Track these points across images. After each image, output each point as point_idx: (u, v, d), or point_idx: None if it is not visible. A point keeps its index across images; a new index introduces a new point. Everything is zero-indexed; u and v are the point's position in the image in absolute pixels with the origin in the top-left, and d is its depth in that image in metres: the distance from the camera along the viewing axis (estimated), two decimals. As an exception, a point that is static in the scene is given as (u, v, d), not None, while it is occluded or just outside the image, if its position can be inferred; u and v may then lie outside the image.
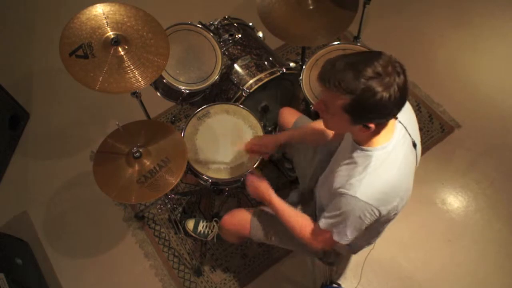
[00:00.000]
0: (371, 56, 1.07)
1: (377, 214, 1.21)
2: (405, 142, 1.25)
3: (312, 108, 1.90)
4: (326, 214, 1.31)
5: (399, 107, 1.10)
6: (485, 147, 2.40)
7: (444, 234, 2.18)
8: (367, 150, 1.21)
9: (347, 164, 1.25)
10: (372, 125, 1.13)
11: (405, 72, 1.08)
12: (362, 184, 1.18)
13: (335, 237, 1.29)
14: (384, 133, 1.19)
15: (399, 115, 1.22)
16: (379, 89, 1.03)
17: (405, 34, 2.85)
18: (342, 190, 1.21)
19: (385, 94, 1.04)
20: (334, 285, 1.99)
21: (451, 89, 2.62)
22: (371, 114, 1.10)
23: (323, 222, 1.31)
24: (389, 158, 1.20)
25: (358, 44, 2.04)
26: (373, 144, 1.20)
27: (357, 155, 1.23)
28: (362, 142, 1.22)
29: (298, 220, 1.42)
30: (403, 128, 1.25)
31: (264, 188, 1.51)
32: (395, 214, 1.29)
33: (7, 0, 3.23)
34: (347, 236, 1.27)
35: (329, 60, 1.11)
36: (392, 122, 1.20)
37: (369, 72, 1.03)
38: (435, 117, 2.52)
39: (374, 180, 1.18)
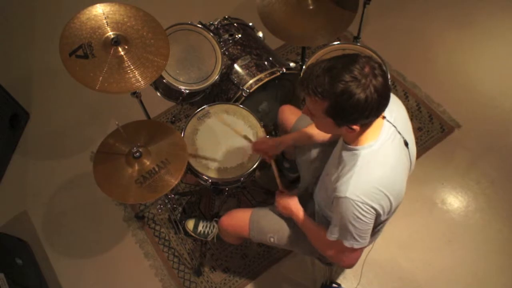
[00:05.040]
0: (349, 60, 1.09)
1: (373, 211, 1.21)
2: (394, 140, 1.25)
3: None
4: (331, 224, 1.31)
5: (379, 107, 1.12)
6: (485, 147, 2.40)
7: (444, 234, 2.18)
8: (354, 149, 1.22)
9: (338, 164, 1.28)
10: (356, 127, 1.15)
11: (385, 74, 1.09)
12: (351, 183, 1.19)
13: (346, 244, 1.28)
14: (370, 131, 1.20)
15: (387, 114, 1.23)
16: (355, 91, 1.06)
17: (405, 34, 2.86)
18: (334, 194, 1.23)
19: (362, 95, 1.06)
20: (334, 285, 1.99)
21: (451, 89, 2.62)
22: (352, 116, 1.12)
23: (329, 233, 1.32)
24: (377, 156, 1.21)
25: (358, 44, 2.03)
26: (360, 142, 1.22)
27: (345, 154, 1.25)
28: (349, 141, 1.25)
29: (324, 239, 1.40)
30: (391, 127, 1.25)
31: (294, 207, 1.51)
32: (389, 212, 1.29)
33: (7, 0, 3.24)
34: (356, 239, 1.26)
35: (309, 66, 1.14)
36: (379, 120, 1.21)
37: (346, 77, 1.06)
38: (435, 117, 2.52)
39: (362, 178, 1.19)
